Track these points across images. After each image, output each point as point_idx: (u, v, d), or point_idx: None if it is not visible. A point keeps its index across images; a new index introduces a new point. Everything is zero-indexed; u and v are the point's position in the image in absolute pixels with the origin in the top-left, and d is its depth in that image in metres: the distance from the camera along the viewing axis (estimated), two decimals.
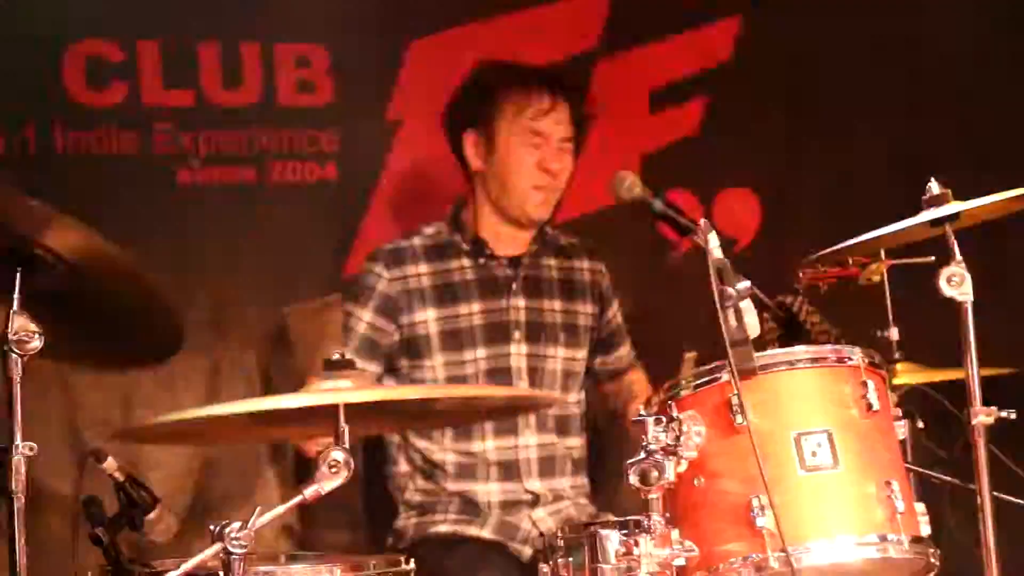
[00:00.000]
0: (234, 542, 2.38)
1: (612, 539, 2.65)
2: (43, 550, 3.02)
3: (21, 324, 2.73)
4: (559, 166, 3.63)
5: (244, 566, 2.39)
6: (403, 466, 3.67)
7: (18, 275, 2.79)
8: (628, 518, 2.72)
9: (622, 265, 3.94)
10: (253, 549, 2.40)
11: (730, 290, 2.66)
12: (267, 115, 4.05)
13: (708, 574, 2.74)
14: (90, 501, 2.99)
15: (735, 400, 2.74)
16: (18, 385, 2.75)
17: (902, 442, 2.95)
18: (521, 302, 3.68)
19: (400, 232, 3.88)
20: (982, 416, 2.88)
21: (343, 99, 4.11)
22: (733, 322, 2.64)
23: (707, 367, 2.83)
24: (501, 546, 3.55)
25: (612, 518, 2.90)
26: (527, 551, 3.54)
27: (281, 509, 2.48)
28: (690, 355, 3.83)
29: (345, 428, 2.49)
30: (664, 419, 2.70)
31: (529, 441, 3.62)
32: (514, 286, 3.68)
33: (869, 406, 2.83)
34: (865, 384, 2.84)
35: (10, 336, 2.73)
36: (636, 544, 2.62)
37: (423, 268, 3.65)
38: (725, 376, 2.76)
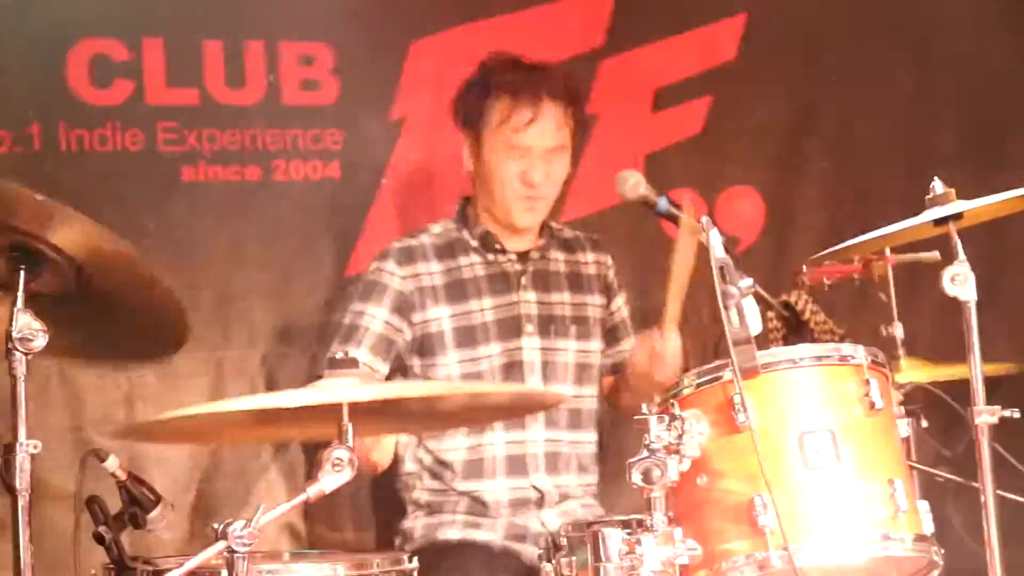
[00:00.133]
0: (238, 540, 2.38)
1: (615, 538, 2.65)
2: (46, 548, 3.03)
3: (25, 322, 2.74)
4: (542, 178, 3.59)
5: (248, 564, 2.39)
6: (410, 465, 3.66)
7: (22, 273, 2.79)
8: (631, 517, 2.73)
9: (626, 264, 3.94)
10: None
11: (733, 288, 2.66)
12: (271, 113, 4.04)
13: (711, 573, 2.74)
14: (92, 499, 3.00)
15: (738, 399, 2.73)
16: (22, 383, 2.76)
17: (905, 440, 2.95)
18: (531, 296, 3.67)
19: (404, 230, 3.89)
20: (986, 415, 2.87)
21: (347, 97, 4.11)
22: (736, 320, 2.64)
23: (710, 365, 2.83)
24: (511, 551, 3.54)
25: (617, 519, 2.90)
26: (536, 553, 3.53)
27: (285, 507, 2.48)
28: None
29: (349, 426, 2.49)
30: (667, 418, 2.70)
31: (536, 436, 3.61)
32: (523, 280, 3.68)
33: (872, 404, 2.82)
34: (868, 382, 2.83)
35: (14, 334, 2.73)
36: (639, 543, 2.62)
37: (434, 266, 3.64)
38: (727, 375, 2.75)
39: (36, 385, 2.81)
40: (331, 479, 2.46)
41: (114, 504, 3.05)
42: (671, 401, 2.80)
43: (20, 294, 2.77)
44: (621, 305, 3.84)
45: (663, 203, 3.38)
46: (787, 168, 4.55)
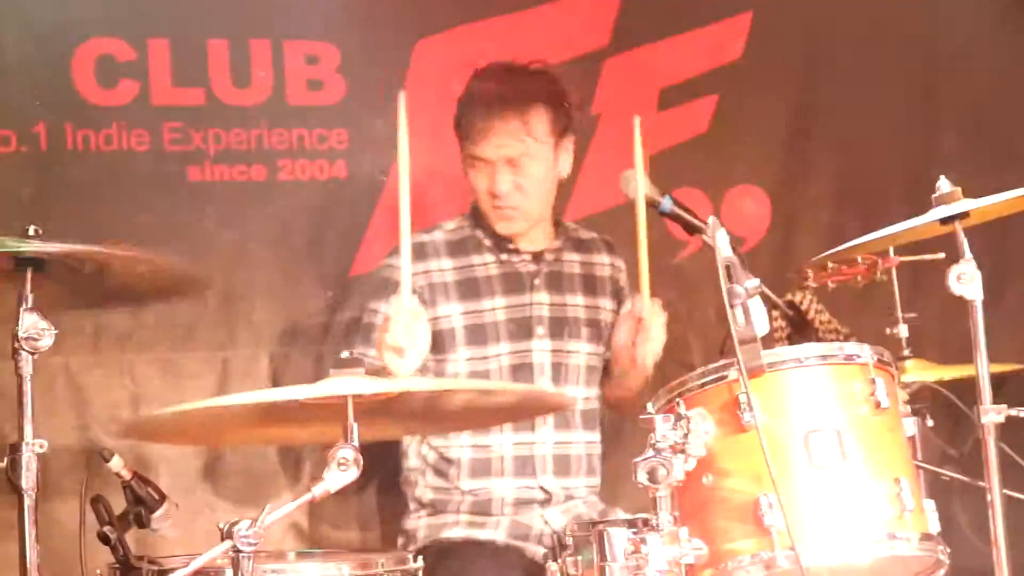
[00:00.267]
0: (243, 540, 2.38)
1: (620, 537, 2.65)
2: (52, 548, 3.03)
3: (32, 322, 2.74)
4: (509, 188, 3.55)
5: (253, 564, 2.39)
6: (414, 462, 3.66)
7: (28, 274, 2.80)
8: (637, 516, 2.73)
9: (630, 264, 3.93)
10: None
11: (739, 288, 2.66)
12: (277, 113, 4.04)
13: (716, 572, 2.74)
14: (97, 499, 3.00)
15: (743, 398, 2.73)
16: (29, 383, 2.76)
17: (911, 439, 2.95)
18: (544, 298, 3.66)
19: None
20: (992, 414, 2.87)
21: (353, 97, 4.11)
22: (741, 320, 2.64)
23: (715, 364, 2.83)
24: (515, 549, 3.54)
25: (621, 514, 2.90)
26: (540, 551, 3.53)
27: (291, 507, 2.48)
28: None
29: (354, 424, 2.49)
30: (672, 417, 2.70)
31: (546, 438, 3.61)
32: (536, 281, 3.67)
33: (878, 404, 2.82)
34: (874, 382, 2.83)
35: (21, 334, 2.74)
36: (644, 542, 2.62)
37: (446, 262, 3.64)
38: (733, 374, 2.76)
39: (42, 385, 2.81)
40: (336, 478, 2.46)
41: (119, 504, 3.05)
42: (676, 400, 2.80)
43: (28, 295, 2.77)
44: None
45: (667, 203, 3.37)
46: (793, 167, 4.54)
